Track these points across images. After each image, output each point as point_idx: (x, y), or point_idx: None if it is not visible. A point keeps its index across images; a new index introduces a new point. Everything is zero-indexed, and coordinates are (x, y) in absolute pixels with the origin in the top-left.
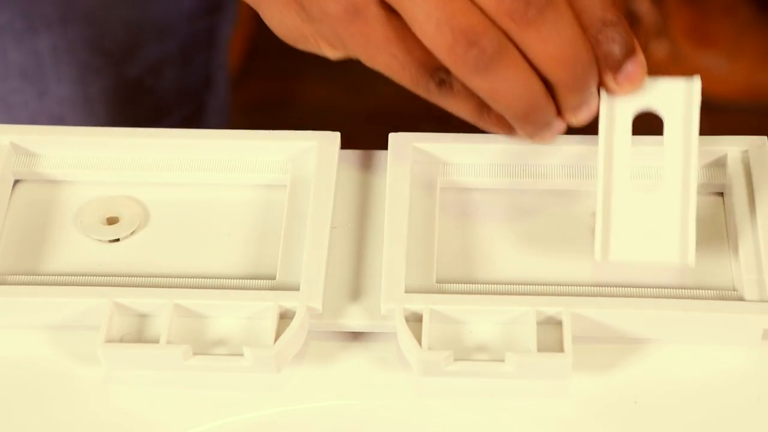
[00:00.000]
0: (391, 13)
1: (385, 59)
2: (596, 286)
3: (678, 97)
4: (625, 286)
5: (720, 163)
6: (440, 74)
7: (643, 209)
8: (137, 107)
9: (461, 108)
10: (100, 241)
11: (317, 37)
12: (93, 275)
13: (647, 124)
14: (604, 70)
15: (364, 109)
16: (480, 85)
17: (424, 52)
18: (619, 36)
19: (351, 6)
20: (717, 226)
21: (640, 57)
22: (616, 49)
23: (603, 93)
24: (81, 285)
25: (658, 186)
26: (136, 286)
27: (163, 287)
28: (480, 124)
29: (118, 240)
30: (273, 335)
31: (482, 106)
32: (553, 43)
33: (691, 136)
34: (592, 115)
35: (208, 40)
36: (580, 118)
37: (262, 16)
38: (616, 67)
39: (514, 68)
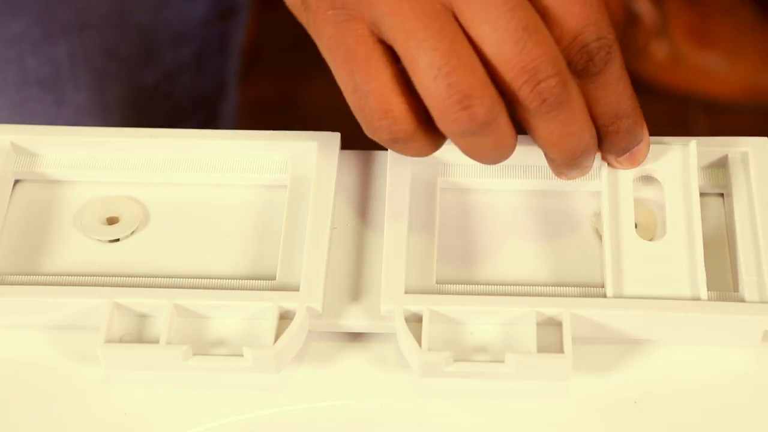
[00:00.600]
0: (385, 49)
1: (344, 79)
2: (596, 287)
3: (676, 161)
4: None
5: (720, 164)
6: (388, 116)
7: (652, 254)
8: (153, 114)
9: (413, 153)
10: (100, 241)
11: (309, 24)
12: (93, 275)
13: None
14: (609, 152)
15: None
16: (460, 143)
17: (386, 87)
18: (629, 127)
19: (345, 15)
20: (717, 227)
21: (646, 140)
22: (623, 139)
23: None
24: (81, 285)
25: (663, 237)
26: (136, 286)
27: (163, 287)
28: None
29: (118, 240)
30: (273, 336)
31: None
32: (558, 135)
33: (692, 193)
34: (584, 175)
35: (221, 46)
36: (571, 178)
37: None
38: (621, 153)
39: (499, 134)
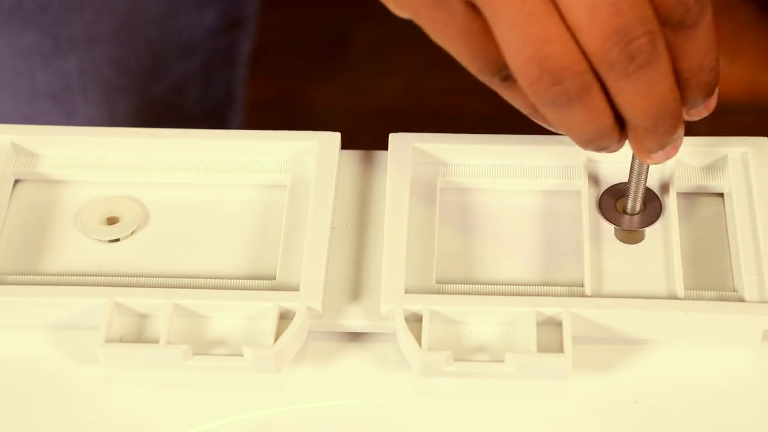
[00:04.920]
0: (474, 9)
1: (458, 48)
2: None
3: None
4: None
5: (720, 164)
6: (507, 71)
7: (631, 256)
8: (162, 126)
9: (519, 103)
10: (100, 241)
11: None
12: (93, 275)
13: None
14: (684, 105)
15: (364, 109)
16: (551, 115)
17: (498, 51)
18: (710, 80)
19: None
20: (717, 227)
21: (716, 95)
22: (703, 91)
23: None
24: (81, 285)
25: (642, 241)
26: (136, 286)
27: (163, 287)
28: (533, 119)
29: (118, 240)
30: (273, 335)
31: None
32: (643, 96)
33: (670, 195)
34: (669, 158)
35: (229, 57)
36: (655, 160)
37: None
38: (697, 105)
39: (590, 108)
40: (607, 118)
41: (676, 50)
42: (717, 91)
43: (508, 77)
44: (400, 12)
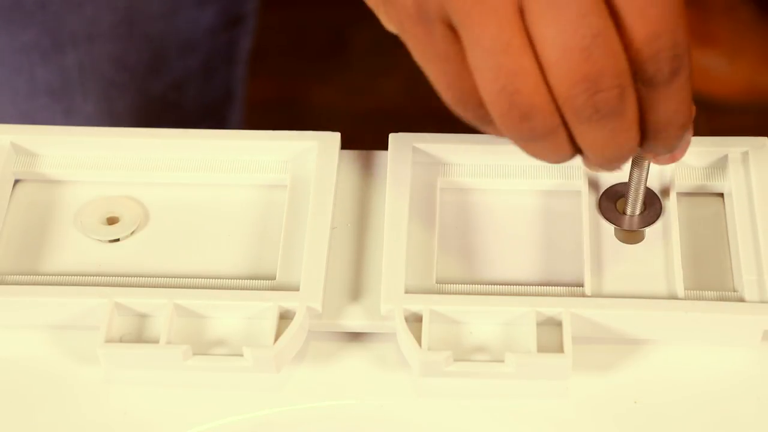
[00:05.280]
0: (454, 33)
1: (435, 72)
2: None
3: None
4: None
5: (720, 164)
6: (481, 110)
7: (631, 256)
8: (161, 123)
9: (491, 132)
10: (100, 241)
11: (383, 4)
12: (93, 275)
13: None
14: (650, 151)
15: (364, 109)
16: (519, 145)
17: (473, 84)
18: (678, 135)
19: (421, 10)
20: (717, 227)
21: (688, 139)
22: (669, 144)
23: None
24: (81, 285)
25: (642, 241)
26: (136, 286)
27: (163, 287)
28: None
29: (118, 240)
30: (273, 335)
31: None
32: (601, 143)
33: (670, 196)
34: (612, 172)
35: (228, 55)
36: (598, 172)
37: None
38: (662, 154)
39: (556, 144)
40: (570, 151)
41: (646, 103)
42: (689, 139)
43: (481, 117)
44: (389, 25)
